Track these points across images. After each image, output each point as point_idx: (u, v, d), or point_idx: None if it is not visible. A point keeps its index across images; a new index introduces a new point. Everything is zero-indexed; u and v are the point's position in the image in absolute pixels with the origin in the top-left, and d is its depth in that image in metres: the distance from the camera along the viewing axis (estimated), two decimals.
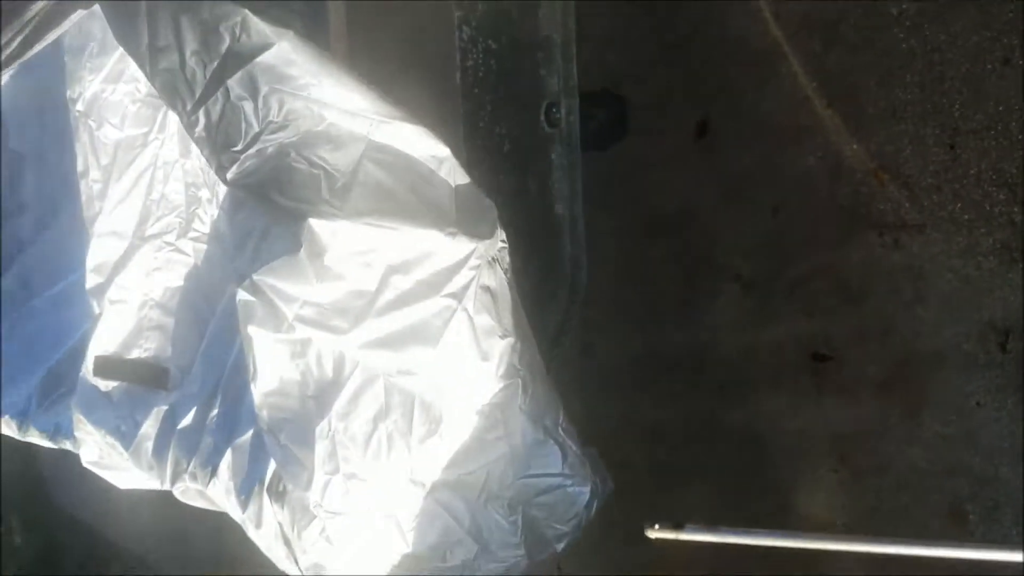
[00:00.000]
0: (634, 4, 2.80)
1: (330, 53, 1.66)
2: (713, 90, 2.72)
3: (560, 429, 1.86)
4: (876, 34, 2.51)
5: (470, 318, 1.64)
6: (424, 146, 1.64)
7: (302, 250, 1.54)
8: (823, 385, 2.68)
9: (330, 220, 1.55)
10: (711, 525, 1.54)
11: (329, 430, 1.62)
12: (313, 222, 1.54)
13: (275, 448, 1.65)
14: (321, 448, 1.62)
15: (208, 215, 1.95)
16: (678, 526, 1.50)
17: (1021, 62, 2.36)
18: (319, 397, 1.61)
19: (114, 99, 1.95)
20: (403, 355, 1.61)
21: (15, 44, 1.29)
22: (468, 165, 1.87)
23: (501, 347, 1.68)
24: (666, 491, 2.91)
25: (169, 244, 1.99)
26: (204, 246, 1.98)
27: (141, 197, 1.98)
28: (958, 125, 2.44)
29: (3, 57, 1.29)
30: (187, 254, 1.99)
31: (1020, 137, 2.39)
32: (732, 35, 2.67)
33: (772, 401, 2.77)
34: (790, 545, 1.47)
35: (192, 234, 1.98)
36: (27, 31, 1.32)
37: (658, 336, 2.94)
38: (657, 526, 1.49)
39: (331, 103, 1.59)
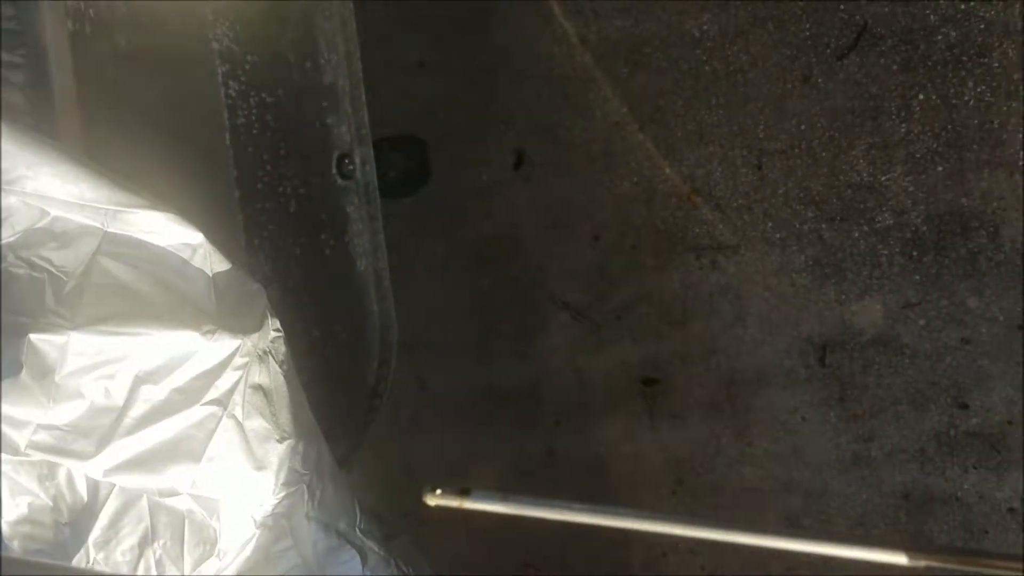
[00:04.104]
0: (443, 33, 2.69)
1: (58, 134, 1.45)
2: (525, 119, 2.64)
3: (358, 531, 1.71)
4: (679, 56, 2.49)
5: (239, 424, 1.48)
6: (173, 233, 1.45)
7: (23, 372, 1.34)
8: (655, 409, 2.67)
9: (56, 334, 1.35)
10: (503, 493, 1.32)
11: (88, 561, 1.43)
12: (34, 338, 1.34)
13: None
14: None
15: None
16: (464, 492, 1.29)
17: (819, 80, 2.40)
18: (75, 524, 1.42)
19: None
20: (163, 475, 1.44)
21: None
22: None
23: (280, 452, 1.52)
24: (512, 525, 2.84)
25: None
26: None
27: None
28: (764, 145, 2.46)
29: None
30: None
31: (823, 155, 2.43)
32: (541, 61, 2.60)
33: (608, 428, 2.74)
34: (588, 521, 1.30)
35: None
36: None
37: (493, 368, 2.86)
38: (439, 491, 1.27)
39: (53, 196, 1.39)
